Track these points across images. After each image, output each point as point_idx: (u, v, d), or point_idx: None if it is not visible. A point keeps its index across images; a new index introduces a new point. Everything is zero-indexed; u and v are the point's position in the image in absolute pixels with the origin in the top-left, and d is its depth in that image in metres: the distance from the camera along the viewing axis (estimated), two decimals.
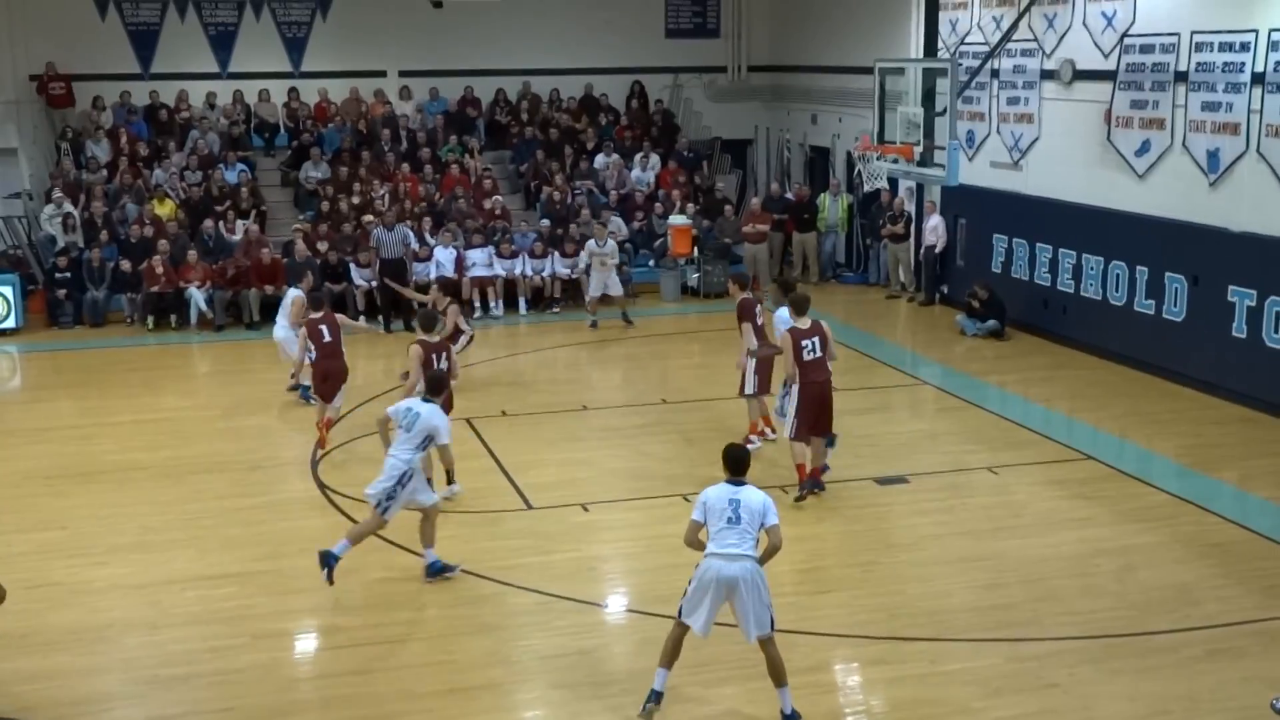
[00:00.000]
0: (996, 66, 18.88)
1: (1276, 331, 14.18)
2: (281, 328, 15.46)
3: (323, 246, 20.15)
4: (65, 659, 8.87)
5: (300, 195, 22.68)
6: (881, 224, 21.61)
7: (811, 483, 11.79)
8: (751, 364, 12.85)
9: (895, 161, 16.69)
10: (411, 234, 20.15)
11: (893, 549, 10.83)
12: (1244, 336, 14.59)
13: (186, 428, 14.48)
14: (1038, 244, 18.22)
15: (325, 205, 21.56)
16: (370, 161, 22.84)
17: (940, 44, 20.20)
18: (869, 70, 17.85)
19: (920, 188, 20.77)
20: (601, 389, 16.59)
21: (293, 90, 24.28)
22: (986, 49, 18.66)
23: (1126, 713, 8.07)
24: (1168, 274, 15.76)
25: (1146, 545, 10.75)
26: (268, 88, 24.21)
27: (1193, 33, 15.25)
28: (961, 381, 16.12)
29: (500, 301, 20.58)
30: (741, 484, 7.89)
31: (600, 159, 23.86)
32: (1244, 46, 14.49)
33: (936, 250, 20.50)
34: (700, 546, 7.84)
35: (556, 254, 20.84)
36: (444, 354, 11.50)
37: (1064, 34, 17.59)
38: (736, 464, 7.96)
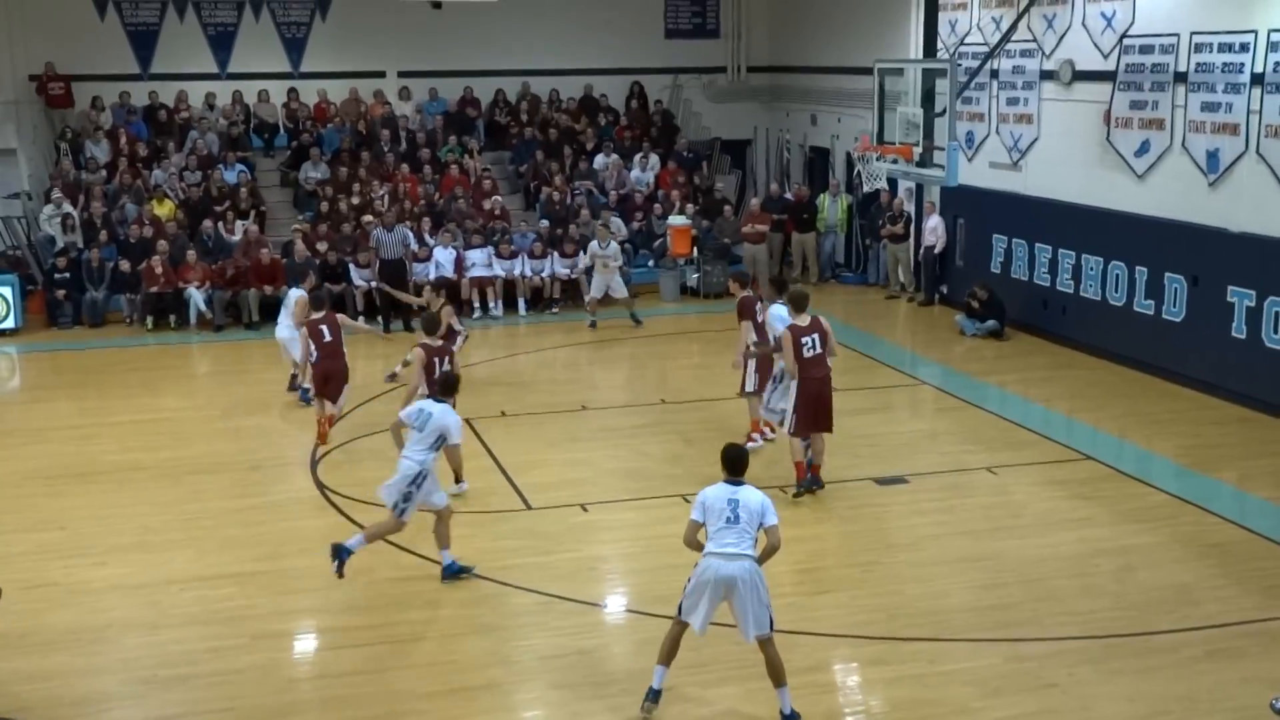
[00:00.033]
0: (996, 67, 18.89)
1: (1276, 332, 14.19)
2: (285, 327, 15.37)
3: (322, 247, 20.15)
4: (64, 659, 8.87)
5: (299, 196, 22.68)
6: (881, 224, 21.62)
7: (811, 480, 11.82)
8: (752, 363, 12.86)
9: (895, 162, 16.70)
10: (411, 234, 20.16)
11: (892, 549, 10.83)
12: (1243, 337, 14.60)
13: (186, 428, 14.48)
14: (1037, 244, 18.23)
15: (324, 206, 21.56)
16: (369, 162, 22.84)
17: (939, 44, 20.23)
18: (868, 71, 17.86)
19: (920, 188, 20.77)
20: (601, 389, 16.58)
21: (292, 91, 24.29)
22: (986, 49, 18.66)
23: (1125, 713, 8.07)
24: (1167, 274, 15.76)
25: (1146, 545, 10.75)
26: (267, 88, 24.22)
27: (1192, 33, 15.26)
28: (961, 382, 16.12)
29: (499, 302, 20.57)
30: (740, 484, 7.89)
31: (600, 159, 23.87)
32: (1243, 47, 14.49)
33: (936, 251, 20.50)
34: (699, 546, 7.85)
35: (556, 254, 20.84)
36: (446, 357, 11.48)
37: (1063, 34, 17.59)
38: (734, 464, 7.96)
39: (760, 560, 7.78)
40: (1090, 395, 15.36)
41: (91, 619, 9.47)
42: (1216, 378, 14.99)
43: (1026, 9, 18.06)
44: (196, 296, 19.54)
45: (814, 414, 11.64)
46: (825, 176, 23.92)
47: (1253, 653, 8.79)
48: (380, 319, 19.40)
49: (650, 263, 22.01)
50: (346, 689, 8.45)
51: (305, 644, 9.44)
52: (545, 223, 21.65)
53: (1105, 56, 16.79)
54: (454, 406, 10.31)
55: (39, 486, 12.49)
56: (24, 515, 11.69)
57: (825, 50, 23.95)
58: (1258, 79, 14.30)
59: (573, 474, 12.68)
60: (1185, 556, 10.54)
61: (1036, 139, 18.40)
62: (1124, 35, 16.40)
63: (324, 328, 13.56)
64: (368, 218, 20.75)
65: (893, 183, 20.08)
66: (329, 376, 13.55)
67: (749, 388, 13.00)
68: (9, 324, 19.32)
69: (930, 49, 20.36)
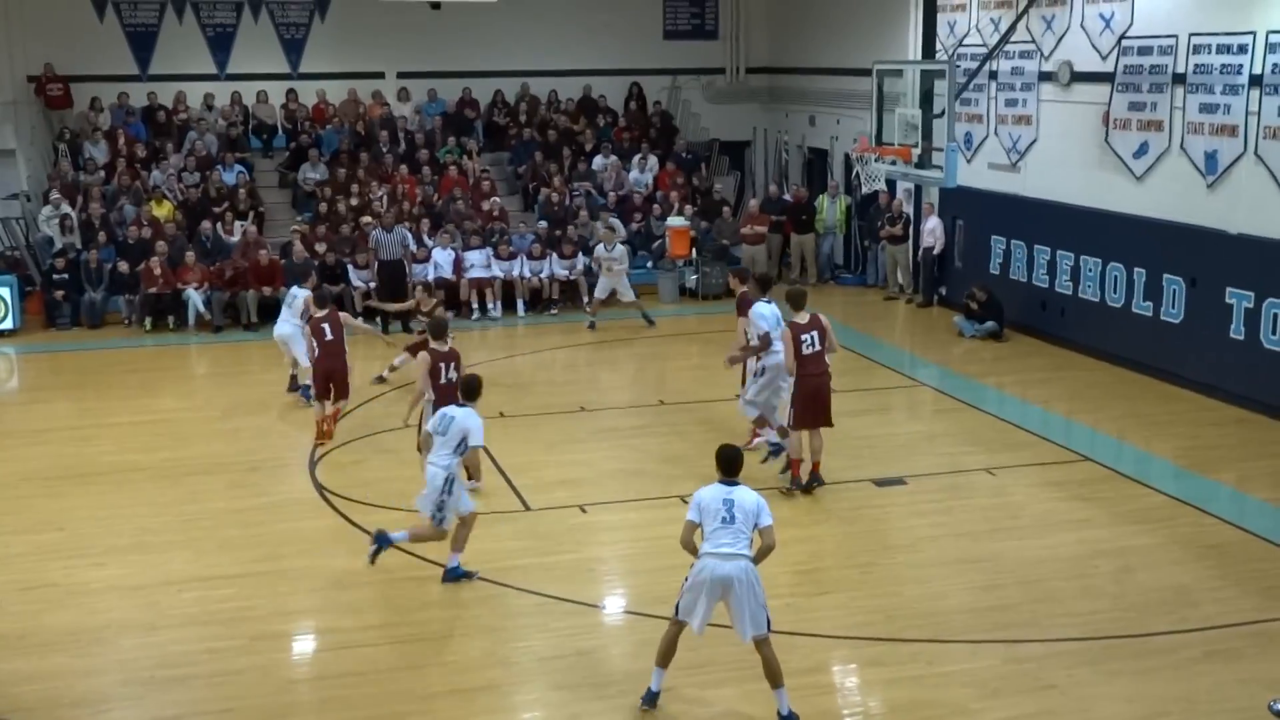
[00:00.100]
0: (994, 68, 18.90)
1: (1274, 333, 14.19)
2: (287, 324, 15.26)
3: (321, 248, 20.14)
4: (62, 660, 8.87)
5: (298, 196, 22.68)
6: (880, 225, 21.62)
7: (811, 477, 11.90)
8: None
9: (893, 163, 16.71)
10: (410, 235, 20.16)
11: (890, 550, 10.83)
12: (1242, 338, 14.60)
13: (184, 429, 14.47)
14: (1036, 246, 18.24)
15: (323, 207, 21.55)
16: (368, 163, 22.83)
17: (938, 46, 20.25)
18: (867, 72, 17.87)
19: (918, 189, 20.78)
20: (599, 390, 16.58)
21: (291, 91, 24.28)
22: (984, 51, 18.68)
23: (1124, 714, 8.07)
24: (1166, 276, 15.77)
25: (1144, 547, 10.76)
26: (266, 89, 24.22)
27: (1190, 35, 15.27)
28: (959, 383, 16.12)
29: (498, 303, 20.57)
30: (735, 484, 7.91)
31: (598, 160, 23.87)
32: (1242, 48, 14.50)
33: (935, 252, 20.51)
34: (695, 548, 7.85)
35: (554, 255, 20.85)
36: (453, 362, 11.45)
37: (1062, 36, 17.60)
38: (729, 464, 7.97)
39: (756, 560, 7.79)
40: (1089, 396, 15.37)
41: (90, 620, 9.46)
42: (1215, 379, 14.99)
43: (1025, 10, 18.07)
44: (195, 297, 19.53)
45: (813, 409, 11.72)
46: (824, 178, 23.93)
47: (1251, 654, 8.79)
48: (379, 320, 19.40)
49: (649, 264, 22.01)
50: (345, 690, 8.45)
51: (304, 645, 9.43)
52: (544, 224, 21.65)
53: (1104, 58, 16.80)
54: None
55: (37, 487, 12.48)
56: (22, 516, 11.68)
57: (824, 51, 23.96)
58: (1256, 80, 14.31)
59: (571, 475, 12.68)
60: (1184, 558, 10.54)
61: (1035, 140, 18.41)
62: (1122, 37, 16.41)
63: (326, 326, 13.58)
64: (366, 219, 20.74)
65: (891, 184, 20.08)
66: (330, 375, 13.57)
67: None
68: (7, 325, 19.32)
69: (929, 50, 20.37)
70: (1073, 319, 17.46)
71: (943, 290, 20.59)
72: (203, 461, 13.19)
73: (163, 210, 21.21)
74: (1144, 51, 16.06)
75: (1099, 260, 16.92)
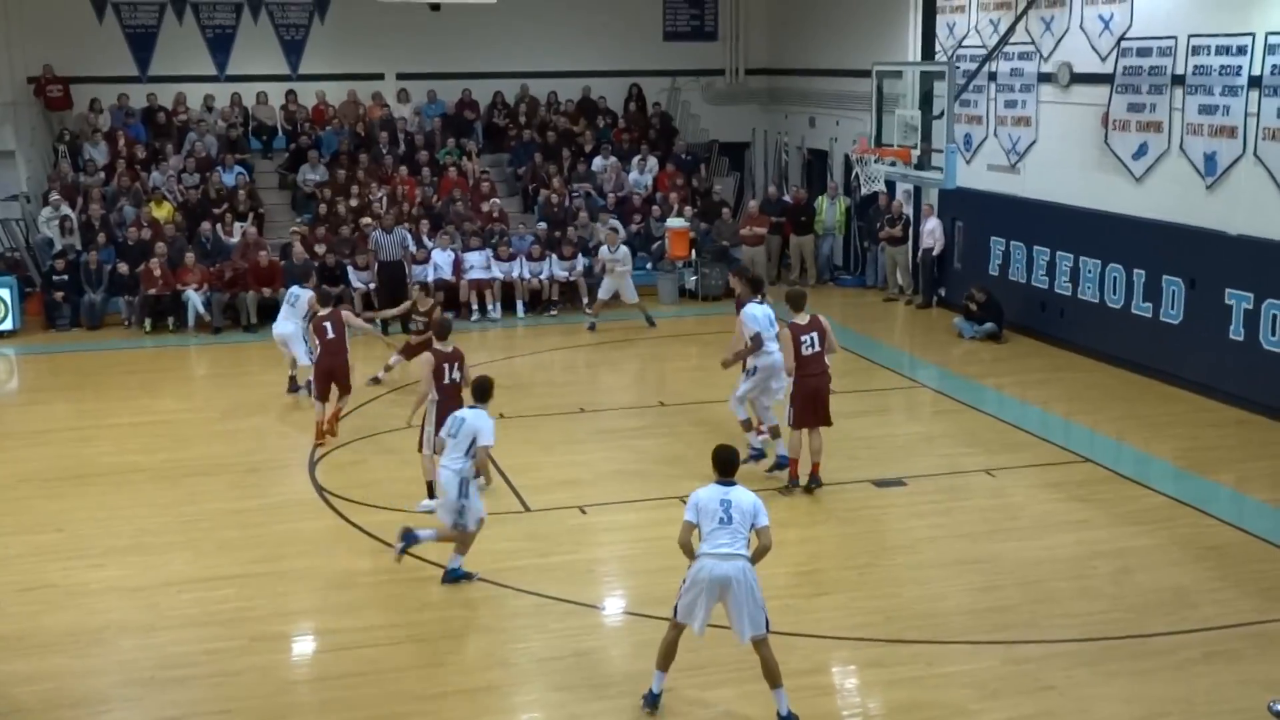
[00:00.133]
0: (994, 69, 18.91)
1: (1273, 334, 14.20)
2: (290, 322, 15.23)
3: (320, 249, 20.14)
4: (61, 661, 8.87)
5: (298, 198, 22.68)
6: (879, 227, 21.62)
7: (810, 479, 11.93)
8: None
9: (893, 164, 16.72)
10: (409, 237, 20.16)
11: (890, 551, 10.84)
12: (1241, 339, 14.61)
13: (184, 430, 14.47)
14: (1035, 247, 18.24)
15: (323, 208, 21.55)
16: (368, 164, 22.83)
17: (938, 47, 20.26)
18: (867, 73, 17.88)
19: (918, 190, 20.78)
20: (599, 391, 16.58)
21: (290, 93, 24.28)
22: (984, 52, 18.68)
23: (1123, 715, 8.08)
24: (1165, 277, 15.77)
25: (1143, 548, 10.76)
26: (265, 90, 24.21)
27: (1190, 36, 15.28)
28: (959, 384, 16.13)
29: (498, 304, 20.57)
30: (731, 484, 7.92)
31: (598, 162, 23.88)
32: (1241, 50, 14.51)
33: (934, 253, 20.51)
34: (692, 550, 7.86)
35: (554, 257, 20.85)
36: (457, 363, 11.45)
37: (1061, 37, 17.61)
38: (725, 465, 7.99)
39: (753, 560, 7.80)
40: (1088, 397, 15.37)
41: (89, 621, 9.46)
42: (1214, 380, 15.00)
43: (1024, 12, 18.08)
44: (194, 299, 19.53)
45: (812, 409, 11.79)
46: (823, 179, 23.93)
47: (1250, 655, 8.80)
48: (378, 322, 19.36)
49: (648, 265, 22.01)
50: (344, 691, 8.45)
51: (303, 646, 9.43)
52: (543, 225, 21.65)
53: (1103, 59, 16.80)
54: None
55: (37, 488, 12.48)
56: (22, 517, 11.68)
57: (823, 53, 23.97)
58: (1255, 82, 14.32)
59: (571, 476, 12.68)
60: (1183, 559, 10.54)
61: (1034, 141, 18.41)
62: (1122, 38, 16.42)
63: (328, 324, 13.62)
64: (366, 220, 20.74)
65: (891, 185, 20.10)
66: (332, 373, 13.59)
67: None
68: (7, 326, 19.32)
69: (928, 51, 20.38)
70: (1072, 320, 17.46)
71: (942, 291, 20.59)
72: (202, 462, 13.19)
73: (162, 211, 21.21)
74: (1143, 53, 16.07)
75: (1098, 261, 16.93)
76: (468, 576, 10.00)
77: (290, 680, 8.82)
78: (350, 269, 20.08)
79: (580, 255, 20.91)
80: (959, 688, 8.38)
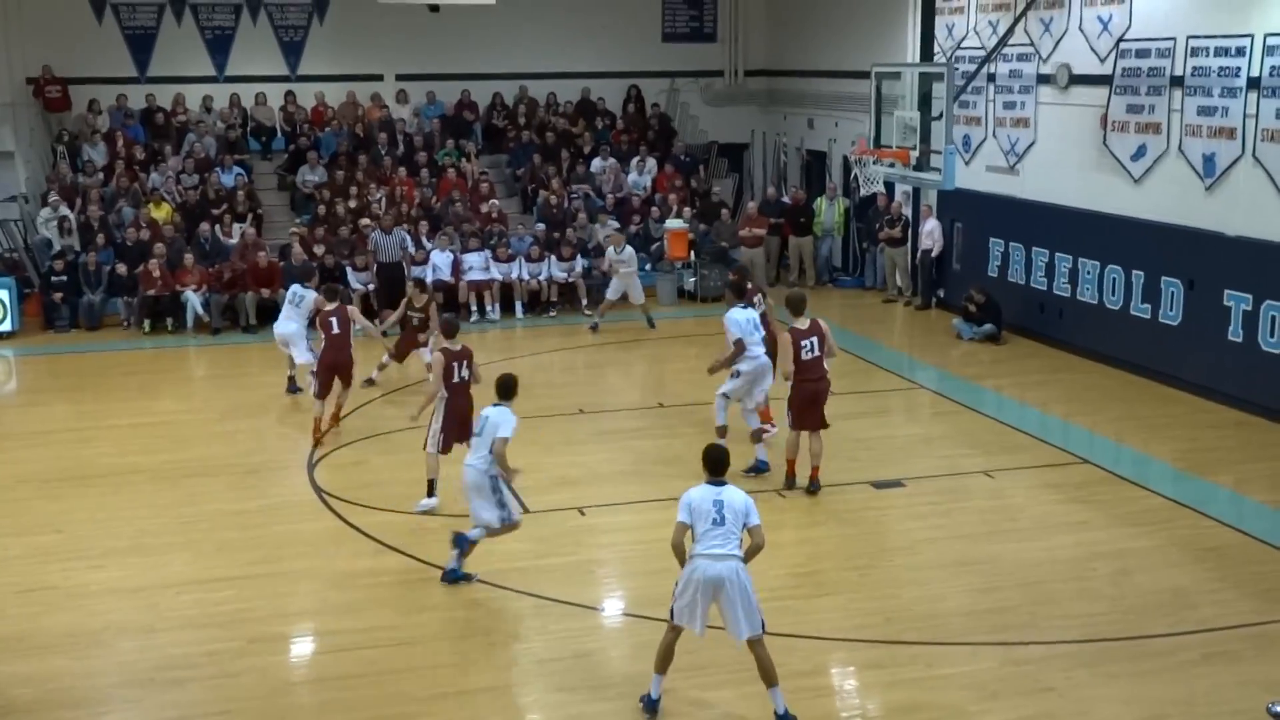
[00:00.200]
0: (993, 71, 18.92)
1: (1272, 335, 14.21)
2: (292, 321, 15.18)
3: (319, 250, 20.14)
4: (61, 662, 8.86)
5: (297, 199, 22.68)
6: (878, 228, 21.63)
7: (812, 483, 11.95)
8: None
9: (892, 166, 16.74)
10: (408, 238, 20.16)
11: (889, 552, 10.84)
12: (1240, 340, 14.61)
13: (183, 431, 14.46)
14: (1034, 248, 18.25)
15: (322, 209, 21.55)
16: (367, 165, 22.84)
17: (937, 48, 20.26)
18: (865, 75, 17.90)
19: (916, 192, 20.79)
20: (598, 393, 16.57)
21: (289, 94, 24.29)
22: (983, 53, 18.68)
23: (1122, 716, 8.08)
24: (1164, 278, 15.78)
25: (1142, 549, 10.76)
26: (264, 91, 24.22)
27: (1189, 37, 15.29)
28: (958, 385, 16.13)
29: (497, 305, 20.57)
30: (722, 484, 7.92)
31: (597, 163, 23.88)
32: (1239, 51, 14.52)
33: (933, 254, 20.52)
34: (684, 552, 7.85)
35: (553, 258, 20.86)
36: (465, 361, 11.46)
37: (1060, 39, 17.62)
38: (716, 464, 8.00)
39: (745, 560, 7.81)
40: (1087, 399, 15.37)
41: (88, 622, 9.46)
42: (1213, 381, 15.00)
43: (1023, 13, 18.09)
44: (193, 299, 19.53)
45: (811, 412, 11.82)
46: (822, 180, 23.94)
47: (1249, 656, 8.80)
48: (377, 322, 19.35)
49: (647, 266, 22.01)
50: (343, 692, 8.45)
51: (303, 647, 9.43)
52: (542, 226, 21.65)
53: (1102, 60, 16.81)
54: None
55: (36, 489, 12.48)
56: (21, 518, 11.68)
57: (822, 54, 23.98)
58: (1254, 83, 14.33)
59: (570, 477, 12.68)
60: (1182, 560, 10.55)
61: (1033, 143, 18.42)
62: (1120, 39, 16.43)
63: (334, 320, 13.65)
64: (365, 221, 20.75)
65: (890, 186, 20.11)
66: (335, 367, 13.61)
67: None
68: (6, 327, 19.31)
69: (927, 53, 20.39)
70: (1071, 321, 17.47)
71: (941, 293, 20.60)
72: (201, 463, 13.18)
73: (161, 212, 21.21)
74: (1142, 54, 16.08)
75: (1097, 262, 16.94)
76: (467, 578, 10.01)
77: (290, 681, 8.81)
78: (349, 270, 20.08)
79: (579, 256, 20.91)
80: (958, 689, 8.38)
